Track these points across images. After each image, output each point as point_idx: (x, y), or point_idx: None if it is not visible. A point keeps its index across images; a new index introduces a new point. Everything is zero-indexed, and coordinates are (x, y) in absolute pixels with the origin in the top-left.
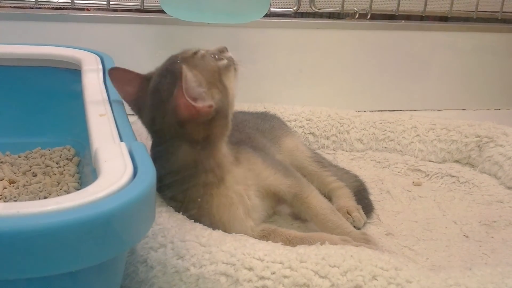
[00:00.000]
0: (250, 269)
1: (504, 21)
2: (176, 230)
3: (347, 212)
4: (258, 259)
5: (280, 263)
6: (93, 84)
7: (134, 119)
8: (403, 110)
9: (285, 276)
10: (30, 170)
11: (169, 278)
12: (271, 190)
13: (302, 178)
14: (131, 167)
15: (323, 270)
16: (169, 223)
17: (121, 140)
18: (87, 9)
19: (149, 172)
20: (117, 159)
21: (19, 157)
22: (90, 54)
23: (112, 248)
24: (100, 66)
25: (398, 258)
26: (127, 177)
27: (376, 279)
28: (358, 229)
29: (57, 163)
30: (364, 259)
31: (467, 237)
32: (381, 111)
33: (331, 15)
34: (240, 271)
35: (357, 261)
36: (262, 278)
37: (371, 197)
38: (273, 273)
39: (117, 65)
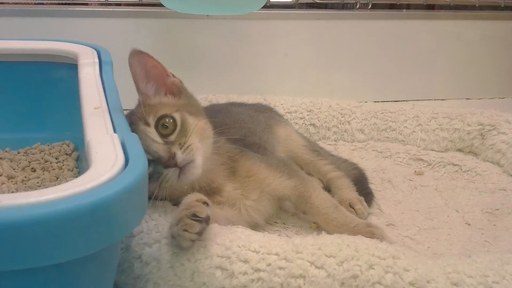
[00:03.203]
0: (246, 261)
1: (507, 8)
2: None
3: (350, 205)
4: (253, 251)
5: (275, 254)
6: (89, 78)
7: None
8: (407, 101)
9: (280, 268)
10: (29, 166)
11: (164, 273)
12: (276, 195)
13: (305, 176)
14: (122, 158)
15: (319, 260)
16: (164, 219)
17: (115, 132)
18: (91, 4)
19: (140, 163)
20: (109, 150)
21: (18, 153)
22: (87, 48)
23: (99, 239)
24: (97, 60)
25: (396, 247)
26: (118, 167)
27: (373, 268)
28: None
29: (56, 158)
30: (361, 248)
31: (469, 225)
32: (385, 101)
33: (332, 6)
34: (235, 263)
35: (354, 250)
36: (257, 270)
37: (372, 187)
38: (269, 265)
39: (115, 59)
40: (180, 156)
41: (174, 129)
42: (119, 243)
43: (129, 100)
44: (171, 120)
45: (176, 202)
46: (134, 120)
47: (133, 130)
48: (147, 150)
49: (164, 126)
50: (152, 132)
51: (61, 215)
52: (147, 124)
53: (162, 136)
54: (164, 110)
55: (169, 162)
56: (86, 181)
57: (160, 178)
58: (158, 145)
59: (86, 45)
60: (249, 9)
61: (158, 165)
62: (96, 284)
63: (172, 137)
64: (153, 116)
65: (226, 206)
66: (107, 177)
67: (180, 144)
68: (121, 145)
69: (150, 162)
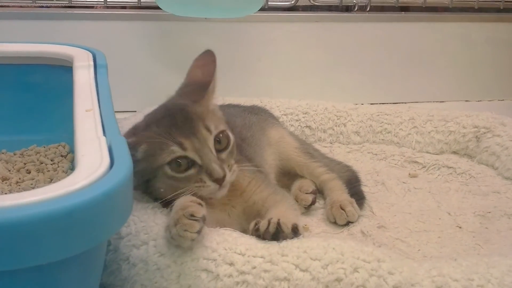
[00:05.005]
0: (231, 264)
1: (506, 10)
2: (159, 228)
3: (341, 207)
4: (239, 254)
5: (261, 257)
6: (83, 80)
7: (126, 115)
8: (405, 103)
9: (265, 271)
10: (24, 167)
11: (150, 275)
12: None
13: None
14: (108, 161)
15: (304, 263)
16: (153, 221)
17: (104, 134)
18: (97, 7)
19: (124, 166)
20: (95, 152)
21: (14, 154)
22: (82, 51)
23: (80, 242)
24: (92, 62)
25: (383, 250)
26: (102, 170)
27: (357, 272)
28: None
29: (51, 160)
30: (346, 251)
31: (460, 228)
32: (383, 104)
33: (330, 8)
34: (221, 266)
35: (339, 253)
36: (242, 273)
37: (366, 189)
38: (254, 267)
39: (113, 61)
40: (228, 178)
41: (226, 148)
42: (104, 245)
43: (123, 103)
44: (225, 139)
45: (165, 203)
46: (187, 109)
47: (183, 122)
48: (200, 156)
49: (217, 140)
50: (210, 142)
51: (38, 218)
52: (209, 130)
53: (216, 149)
54: (222, 125)
55: (219, 180)
56: (68, 184)
57: (199, 185)
58: (216, 160)
59: (81, 48)
60: (246, 12)
61: (202, 172)
62: (80, 286)
63: (224, 155)
64: (214, 126)
65: (217, 210)
66: (89, 180)
67: (228, 165)
68: (108, 148)
69: (193, 163)
